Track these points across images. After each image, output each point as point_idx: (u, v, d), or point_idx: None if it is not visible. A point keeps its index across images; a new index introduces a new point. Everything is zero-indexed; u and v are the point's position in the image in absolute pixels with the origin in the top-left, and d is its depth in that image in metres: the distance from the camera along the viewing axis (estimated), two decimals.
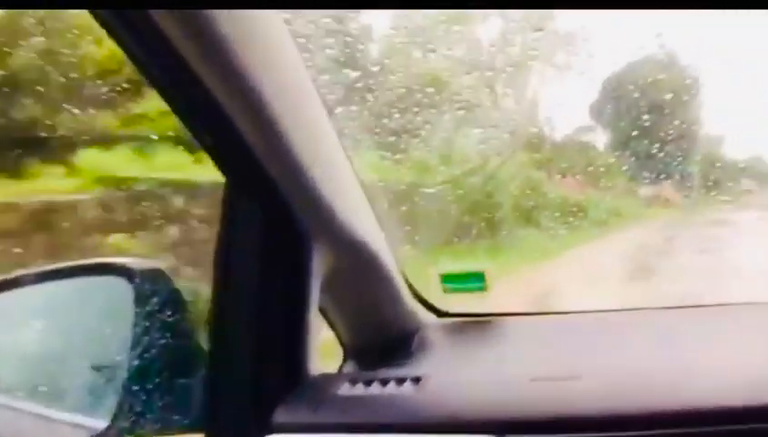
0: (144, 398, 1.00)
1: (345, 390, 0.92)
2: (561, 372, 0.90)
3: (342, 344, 1.20)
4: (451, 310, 1.33)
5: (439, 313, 1.30)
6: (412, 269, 1.30)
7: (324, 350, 1.24)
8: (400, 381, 0.92)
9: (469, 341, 1.23)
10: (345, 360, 1.20)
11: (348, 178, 1.03)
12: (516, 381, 0.92)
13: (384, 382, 0.92)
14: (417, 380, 0.92)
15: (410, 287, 1.24)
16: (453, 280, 1.26)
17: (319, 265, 0.97)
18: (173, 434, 1.04)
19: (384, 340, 1.19)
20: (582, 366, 0.95)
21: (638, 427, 0.80)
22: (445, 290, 1.27)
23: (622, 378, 0.89)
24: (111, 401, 1.03)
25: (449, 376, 0.97)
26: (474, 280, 1.26)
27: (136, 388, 1.01)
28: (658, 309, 1.30)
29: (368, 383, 0.93)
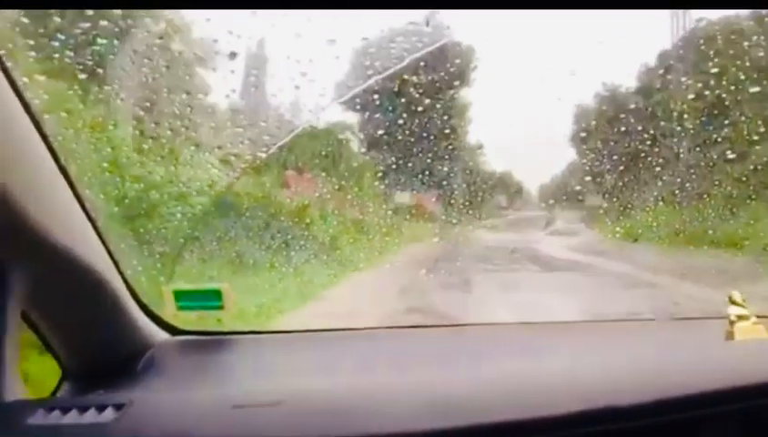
0: None
1: (38, 418, 0.86)
2: (264, 398, 0.92)
3: (61, 366, 1.13)
4: (192, 328, 1.33)
5: (174, 331, 1.28)
6: (150, 287, 1.28)
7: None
8: (101, 408, 0.88)
9: (195, 361, 1.23)
10: (61, 383, 1.13)
11: (59, 188, 0.98)
12: (219, 408, 0.91)
13: (83, 410, 0.88)
14: (119, 406, 0.88)
15: (141, 305, 1.21)
16: (187, 298, 1.26)
17: (16, 284, 0.90)
18: None
19: (107, 360, 1.14)
20: (289, 389, 0.97)
21: None
22: (179, 308, 1.26)
23: (322, 402, 0.92)
24: None
25: (155, 402, 0.95)
26: (210, 299, 1.26)
27: None
28: (378, 328, 1.40)
29: (64, 411, 0.88)
